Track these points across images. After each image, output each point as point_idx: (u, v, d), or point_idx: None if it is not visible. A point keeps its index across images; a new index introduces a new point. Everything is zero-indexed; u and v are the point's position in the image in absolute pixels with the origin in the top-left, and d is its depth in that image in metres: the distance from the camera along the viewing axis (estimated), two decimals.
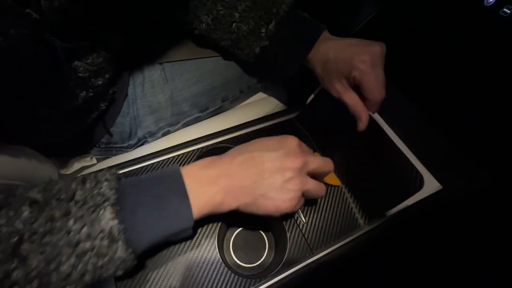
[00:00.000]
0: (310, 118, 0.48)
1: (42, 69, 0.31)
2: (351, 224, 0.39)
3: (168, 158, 0.42)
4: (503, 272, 0.46)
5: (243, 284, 0.34)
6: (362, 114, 0.38)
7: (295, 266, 0.35)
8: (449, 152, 0.46)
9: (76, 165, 0.45)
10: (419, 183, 0.36)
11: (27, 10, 0.26)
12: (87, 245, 0.24)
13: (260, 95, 0.60)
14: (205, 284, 0.33)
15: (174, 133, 0.52)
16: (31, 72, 0.31)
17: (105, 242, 0.24)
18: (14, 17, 0.25)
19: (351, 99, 0.38)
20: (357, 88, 0.38)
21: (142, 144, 0.51)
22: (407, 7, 0.50)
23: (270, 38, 0.43)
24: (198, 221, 0.34)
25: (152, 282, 0.33)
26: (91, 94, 0.38)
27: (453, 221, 0.48)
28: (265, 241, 0.39)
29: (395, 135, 0.43)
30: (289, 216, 0.38)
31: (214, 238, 0.35)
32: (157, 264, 0.33)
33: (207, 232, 0.36)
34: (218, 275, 0.34)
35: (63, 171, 0.44)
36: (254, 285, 0.34)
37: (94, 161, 0.47)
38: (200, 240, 0.35)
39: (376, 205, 0.39)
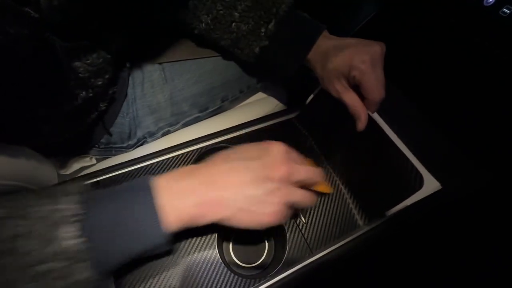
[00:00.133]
0: (309, 118, 0.48)
1: (42, 69, 0.31)
2: (351, 224, 0.39)
3: (168, 158, 0.42)
4: (502, 272, 0.46)
5: (242, 284, 0.34)
6: (362, 114, 0.38)
7: (295, 266, 0.35)
8: (448, 152, 0.46)
9: (76, 166, 0.45)
10: (418, 183, 0.36)
11: (26, 9, 0.26)
12: (46, 267, 0.22)
13: (260, 95, 0.60)
14: (205, 284, 0.33)
15: (173, 133, 0.52)
16: (31, 72, 0.30)
17: (68, 262, 0.22)
18: (13, 16, 0.25)
19: (350, 99, 0.38)
20: (356, 88, 0.38)
21: (141, 144, 0.51)
22: (406, 7, 0.50)
23: (269, 38, 0.43)
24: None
25: (152, 282, 0.33)
26: (91, 94, 0.38)
27: (453, 221, 0.48)
28: (264, 241, 0.39)
29: (395, 135, 0.43)
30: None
31: (214, 238, 0.35)
32: (157, 264, 0.33)
33: (206, 232, 0.36)
34: (218, 275, 0.34)
35: (63, 172, 0.44)
36: (253, 285, 0.34)
37: (94, 161, 0.47)
38: (200, 240, 0.35)
39: (375, 205, 0.39)
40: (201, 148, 0.43)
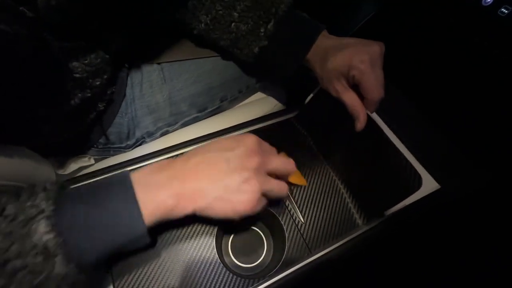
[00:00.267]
0: (308, 118, 0.48)
1: (40, 69, 0.31)
2: (350, 223, 0.39)
3: (167, 158, 0.42)
4: (502, 272, 0.46)
5: (241, 284, 0.34)
6: (360, 113, 0.38)
7: (294, 266, 0.35)
8: (448, 152, 0.46)
9: (74, 166, 0.45)
10: (417, 183, 0.36)
11: (21, 8, 0.26)
12: (18, 263, 0.22)
13: (259, 95, 0.60)
14: (204, 284, 0.33)
15: (172, 133, 0.52)
16: (30, 71, 0.30)
17: (39, 259, 0.22)
18: (12, 16, 0.25)
19: (350, 98, 0.38)
20: (356, 87, 0.38)
21: (140, 144, 0.51)
22: (405, 7, 0.50)
23: (269, 38, 0.43)
24: (196, 221, 0.34)
25: (151, 282, 0.33)
26: (89, 94, 0.38)
27: (452, 221, 0.48)
28: (263, 241, 0.39)
29: (394, 134, 0.43)
30: (286, 215, 0.38)
31: (213, 239, 0.35)
32: (155, 264, 0.33)
33: (205, 232, 0.36)
34: (217, 276, 0.34)
35: (61, 172, 0.44)
36: (252, 285, 0.34)
37: (92, 161, 0.47)
38: (199, 241, 0.35)
39: (374, 204, 0.39)
40: None
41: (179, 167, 0.29)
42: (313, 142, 0.46)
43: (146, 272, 0.33)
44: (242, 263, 0.37)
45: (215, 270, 0.34)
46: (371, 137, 0.40)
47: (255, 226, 0.39)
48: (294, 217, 0.38)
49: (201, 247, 0.35)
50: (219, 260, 0.34)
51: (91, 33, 0.36)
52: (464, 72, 0.45)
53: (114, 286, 0.32)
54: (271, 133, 0.46)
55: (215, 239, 0.35)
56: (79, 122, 0.41)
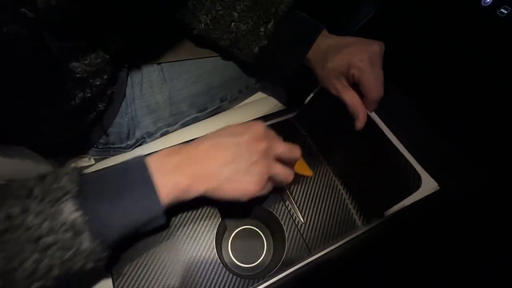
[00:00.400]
0: (308, 118, 0.48)
1: (40, 69, 0.31)
2: (349, 224, 0.39)
3: None
4: (502, 273, 0.46)
5: (241, 284, 0.34)
6: (360, 113, 0.38)
7: (293, 266, 0.35)
8: (447, 152, 0.46)
9: (74, 166, 0.45)
10: (416, 183, 0.36)
11: (22, 9, 0.26)
12: (50, 239, 0.24)
13: (259, 95, 0.60)
14: (203, 284, 0.33)
15: (172, 133, 0.52)
16: (30, 71, 0.30)
17: (69, 235, 0.24)
18: (11, 16, 0.25)
19: (350, 97, 0.38)
20: (356, 86, 0.38)
21: (140, 145, 0.51)
22: (405, 7, 0.50)
23: (269, 37, 0.43)
24: (196, 220, 0.34)
25: (151, 282, 0.33)
26: (89, 94, 0.38)
27: (452, 221, 0.48)
28: (263, 241, 0.39)
29: (393, 134, 0.43)
30: (286, 215, 0.38)
31: (212, 239, 0.35)
32: (156, 264, 0.33)
33: (205, 232, 0.36)
34: (216, 276, 0.34)
35: None
36: (252, 285, 0.34)
37: (92, 161, 0.47)
38: (198, 241, 0.35)
39: (374, 205, 0.39)
40: None
41: (192, 151, 0.30)
42: (313, 142, 0.46)
43: (146, 272, 0.33)
44: (241, 263, 0.37)
45: (215, 270, 0.34)
46: (371, 137, 0.40)
47: (255, 226, 0.39)
48: (294, 217, 0.38)
49: (201, 247, 0.35)
50: (219, 260, 0.34)
51: (91, 33, 0.36)
52: (464, 72, 0.45)
53: (114, 286, 0.32)
54: None
55: (215, 239, 0.35)
56: (79, 122, 0.41)
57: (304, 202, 0.39)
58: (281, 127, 0.48)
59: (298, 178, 0.40)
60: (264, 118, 0.48)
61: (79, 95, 0.37)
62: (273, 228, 0.39)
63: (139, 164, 0.29)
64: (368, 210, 0.39)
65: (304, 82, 0.50)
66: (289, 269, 0.35)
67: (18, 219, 0.23)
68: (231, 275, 0.34)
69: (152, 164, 0.29)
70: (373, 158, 0.41)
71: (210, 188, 0.30)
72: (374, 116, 0.45)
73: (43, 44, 0.30)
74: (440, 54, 0.48)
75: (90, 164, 0.47)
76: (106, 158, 0.49)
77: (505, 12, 0.38)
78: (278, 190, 0.39)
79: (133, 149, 0.50)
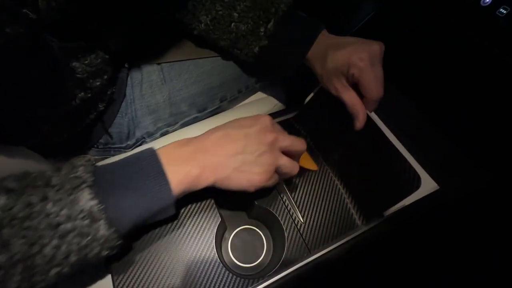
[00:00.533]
0: (308, 118, 0.48)
1: (40, 69, 0.31)
2: (349, 224, 0.39)
3: None
4: (502, 273, 0.46)
5: (241, 284, 0.34)
6: (360, 113, 0.38)
7: (293, 266, 0.35)
8: (448, 152, 0.46)
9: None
10: (416, 183, 0.36)
11: (24, 10, 0.26)
12: (68, 225, 0.24)
13: (259, 95, 0.60)
14: (203, 284, 0.33)
15: (172, 133, 0.52)
16: (29, 71, 0.31)
17: (86, 222, 0.25)
18: (11, 16, 0.25)
19: (349, 97, 0.38)
20: (356, 86, 0.38)
21: (140, 145, 0.51)
22: (405, 7, 0.50)
23: (269, 37, 0.43)
24: (196, 220, 0.34)
25: (150, 281, 0.33)
26: (89, 94, 0.38)
27: (453, 221, 0.48)
28: (263, 241, 0.39)
29: (393, 134, 0.43)
30: (286, 215, 0.38)
31: (212, 238, 0.35)
32: (155, 264, 0.33)
33: (205, 232, 0.36)
34: (216, 275, 0.34)
35: None
36: (252, 285, 0.34)
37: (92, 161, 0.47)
38: (198, 240, 0.35)
39: (373, 205, 0.39)
40: None
41: (201, 142, 0.31)
42: (313, 142, 0.46)
43: (146, 272, 0.33)
44: (241, 263, 0.37)
45: (214, 270, 0.34)
46: (371, 137, 0.40)
47: (254, 226, 0.39)
48: (293, 217, 0.38)
49: (201, 247, 0.35)
50: (218, 260, 0.34)
51: (91, 33, 0.36)
52: (464, 72, 0.45)
53: (114, 286, 0.32)
54: None
55: (215, 239, 0.35)
56: (79, 122, 0.41)
57: (303, 202, 0.39)
58: (281, 127, 0.48)
59: (303, 171, 0.41)
60: None
61: (79, 95, 0.37)
62: (273, 228, 0.39)
63: (151, 155, 0.29)
64: (368, 210, 0.39)
65: (304, 82, 0.50)
66: (288, 269, 0.35)
67: (38, 206, 0.24)
68: (230, 275, 0.34)
69: (163, 155, 0.30)
70: (372, 158, 0.41)
71: (219, 178, 0.31)
72: (374, 116, 0.45)
73: (44, 44, 0.30)
74: (440, 54, 0.48)
75: None
76: (106, 158, 0.50)
77: (504, 12, 0.38)
78: (278, 189, 0.39)
79: (133, 149, 0.50)
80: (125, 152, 0.50)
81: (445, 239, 0.49)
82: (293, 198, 0.39)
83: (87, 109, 0.41)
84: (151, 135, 0.51)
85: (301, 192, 0.40)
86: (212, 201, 0.37)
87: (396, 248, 0.44)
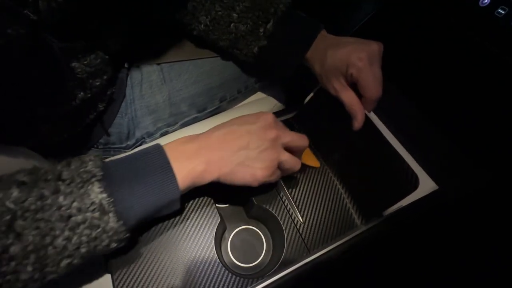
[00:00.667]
0: (307, 118, 0.48)
1: (40, 69, 0.32)
2: (348, 224, 0.39)
3: None
4: (502, 272, 0.46)
5: (240, 284, 0.34)
6: (358, 113, 0.38)
7: (292, 266, 0.35)
8: (447, 152, 0.46)
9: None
10: (414, 183, 0.36)
11: (25, 11, 0.26)
12: (79, 218, 0.25)
13: (258, 95, 0.60)
14: (203, 283, 0.33)
15: (172, 133, 0.53)
16: (30, 71, 0.31)
17: (96, 214, 0.26)
18: (11, 17, 0.25)
19: (348, 97, 0.38)
20: (355, 86, 0.38)
21: (140, 145, 0.51)
22: (405, 7, 0.50)
23: (268, 38, 0.43)
24: (196, 220, 0.34)
25: (150, 281, 0.33)
26: (89, 95, 0.38)
27: (452, 221, 0.48)
28: (262, 241, 0.39)
29: (392, 134, 0.43)
30: (285, 215, 0.38)
31: (212, 238, 0.35)
32: (155, 264, 0.33)
33: (204, 232, 0.36)
34: (216, 275, 0.34)
35: None
36: (251, 285, 0.34)
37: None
38: (198, 240, 0.35)
39: (372, 205, 0.39)
40: None
41: (206, 139, 0.32)
42: (312, 142, 0.46)
43: (145, 271, 0.33)
44: (241, 263, 0.37)
45: (214, 269, 0.34)
46: (369, 137, 0.40)
47: (254, 226, 0.39)
48: (293, 217, 0.38)
49: (200, 247, 0.35)
50: (218, 260, 0.34)
51: (91, 33, 0.36)
52: (463, 72, 0.45)
53: (114, 286, 0.32)
54: None
55: (214, 239, 0.35)
56: (79, 122, 0.41)
57: (303, 202, 0.39)
58: (283, 124, 0.48)
59: (304, 168, 0.41)
60: None
61: (79, 95, 0.37)
62: (272, 228, 0.39)
63: (158, 151, 0.30)
64: (367, 210, 0.39)
65: (303, 82, 0.50)
66: (288, 268, 0.35)
67: (50, 199, 0.25)
68: (230, 274, 0.34)
69: (170, 151, 0.30)
70: (371, 158, 0.41)
71: (223, 173, 0.31)
72: (373, 116, 0.45)
73: (44, 44, 0.30)
74: (440, 54, 0.48)
75: None
76: (107, 158, 0.50)
77: (503, 12, 0.38)
78: (278, 189, 0.39)
79: (133, 149, 0.51)
80: (125, 152, 0.50)
81: (444, 239, 0.49)
82: (293, 198, 0.39)
83: (87, 109, 0.41)
84: (151, 135, 0.51)
85: (300, 192, 0.40)
86: (212, 201, 0.37)
87: (395, 248, 0.44)
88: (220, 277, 0.34)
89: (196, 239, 0.35)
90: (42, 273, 0.25)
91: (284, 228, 0.37)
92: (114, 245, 0.28)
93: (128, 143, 0.49)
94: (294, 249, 0.36)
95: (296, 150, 0.35)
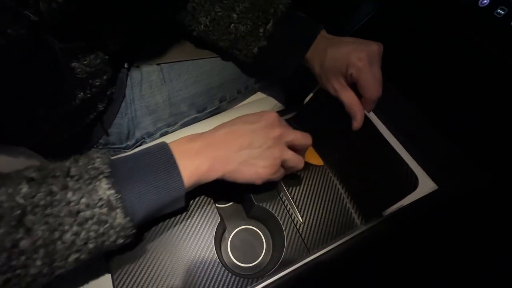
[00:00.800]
0: (307, 118, 0.48)
1: (40, 69, 0.32)
2: (348, 224, 0.39)
3: None
4: (502, 272, 0.46)
5: (240, 284, 0.34)
6: (358, 113, 0.38)
7: (292, 266, 0.35)
8: (447, 152, 0.46)
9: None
10: (413, 183, 0.36)
11: (25, 12, 0.26)
12: (88, 213, 0.26)
13: (258, 95, 0.60)
14: (203, 283, 0.33)
15: (172, 133, 0.53)
16: (30, 72, 0.31)
17: (104, 210, 0.26)
18: (12, 17, 0.25)
19: (347, 97, 0.38)
20: (354, 86, 0.38)
21: (140, 145, 0.51)
22: (405, 7, 0.50)
23: (268, 38, 0.43)
24: (196, 219, 0.34)
25: (150, 281, 0.33)
26: (89, 95, 0.38)
27: (452, 221, 0.48)
28: (262, 241, 0.39)
29: (391, 134, 0.43)
30: (285, 215, 0.38)
31: (212, 238, 0.35)
32: (155, 264, 0.34)
33: (204, 232, 0.36)
34: (216, 275, 0.34)
35: None
36: (251, 284, 0.34)
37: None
38: (198, 240, 0.35)
39: (372, 205, 0.39)
40: None
41: (211, 137, 0.32)
42: (312, 143, 0.46)
43: (145, 271, 0.33)
44: (241, 263, 0.37)
45: (214, 269, 0.34)
46: (369, 137, 0.40)
47: (254, 226, 0.40)
48: (292, 217, 0.38)
49: (200, 247, 0.35)
50: (218, 260, 0.34)
51: (90, 33, 0.36)
52: (463, 72, 0.45)
53: (114, 286, 0.32)
54: None
55: (214, 239, 0.35)
56: (79, 122, 0.41)
57: (303, 202, 0.39)
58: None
59: (308, 167, 0.42)
60: None
61: (79, 95, 0.37)
62: (272, 228, 0.39)
63: (163, 149, 0.31)
64: (367, 210, 0.39)
65: (303, 82, 0.50)
66: (288, 268, 0.35)
67: (59, 195, 0.25)
68: (230, 274, 0.34)
69: (175, 149, 0.31)
70: (371, 158, 0.41)
71: (227, 171, 0.32)
72: (373, 116, 0.45)
73: (45, 45, 0.30)
74: (439, 54, 0.48)
75: None
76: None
77: (502, 12, 0.38)
78: (278, 189, 0.39)
79: (132, 150, 0.51)
80: (125, 152, 0.50)
81: (444, 239, 0.49)
82: (292, 198, 0.39)
83: (87, 109, 0.41)
84: (150, 136, 0.51)
85: (300, 192, 0.40)
86: (212, 200, 0.37)
87: (395, 248, 0.44)
88: (220, 277, 0.34)
89: (196, 239, 0.35)
90: (50, 267, 0.25)
91: (284, 228, 0.37)
92: (121, 241, 0.28)
93: (128, 143, 0.50)
94: (294, 249, 0.36)
95: (300, 148, 0.35)
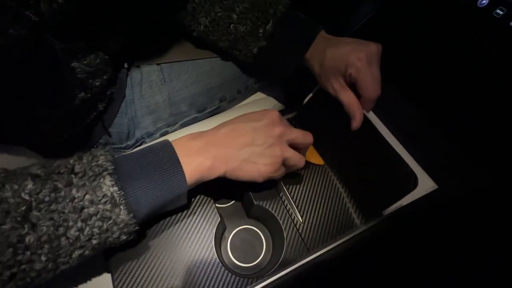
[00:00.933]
0: (307, 118, 0.48)
1: (40, 69, 0.32)
2: (348, 223, 0.39)
3: None
4: (502, 272, 0.46)
5: (240, 284, 0.34)
6: (357, 113, 0.38)
7: (292, 266, 0.35)
8: (447, 152, 0.46)
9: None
10: (413, 183, 0.36)
11: (26, 13, 0.26)
12: (92, 209, 0.26)
13: (258, 95, 0.60)
14: (203, 283, 0.33)
15: (172, 133, 0.53)
16: (30, 72, 0.31)
17: (108, 206, 0.26)
18: (13, 17, 0.25)
19: (347, 97, 0.38)
20: (353, 86, 0.38)
21: (140, 145, 0.51)
22: (405, 7, 0.50)
23: (267, 38, 0.43)
24: (195, 219, 0.34)
25: (150, 281, 0.33)
26: (89, 95, 0.38)
27: (452, 221, 0.48)
28: (262, 240, 0.39)
29: (391, 134, 0.43)
30: (285, 215, 0.38)
31: (212, 238, 0.35)
32: (155, 264, 0.34)
33: (204, 231, 0.36)
34: (215, 275, 0.34)
35: None
36: (251, 284, 0.34)
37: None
38: (198, 240, 0.35)
39: (372, 204, 0.39)
40: None
41: (213, 135, 0.33)
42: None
43: (145, 271, 0.33)
44: (241, 262, 0.37)
45: (214, 269, 0.34)
46: (369, 137, 0.40)
47: (254, 226, 0.40)
48: (292, 217, 0.38)
49: (200, 247, 0.35)
50: (218, 260, 0.34)
51: (91, 33, 0.36)
52: (463, 72, 0.45)
53: (113, 286, 0.32)
54: None
55: (214, 238, 0.36)
56: (79, 122, 0.41)
57: (302, 202, 0.39)
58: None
59: (308, 166, 0.42)
60: None
61: (79, 95, 0.37)
62: (272, 227, 0.39)
63: (166, 147, 0.31)
64: (367, 210, 0.39)
65: (302, 82, 0.50)
66: (287, 268, 0.35)
67: (63, 191, 0.26)
68: (230, 274, 0.34)
69: (178, 147, 0.31)
70: (371, 158, 0.41)
71: (229, 169, 0.32)
72: (373, 116, 0.45)
73: (45, 45, 0.31)
74: (439, 54, 0.48)
75: None
76: None
77: (501, 13, 0.38)
78: (277, 189, 0.39)
79: (132, 150, 0.51)
80: (125, 152, 0.50)
81: (444, 239, 0.49)
82: (292, 198, 0.39)
83: (87, 109, 0.41)
84: (151, 135, 0.51)
85: (300, 192, 0.40)
86: (212, 201, 0.37)
87: (395, 247, 0.44)
88: (219, 276, 0.34)
89: (196, 239, 0.35)
90: (55, 263, 0.26)
91: (283, 228, 0.37)
92: (124, 237, 0.28)
93: (128, 143, 0.50)
94: (294, 249, 0.36)
95: (301, 147, 0.36)
